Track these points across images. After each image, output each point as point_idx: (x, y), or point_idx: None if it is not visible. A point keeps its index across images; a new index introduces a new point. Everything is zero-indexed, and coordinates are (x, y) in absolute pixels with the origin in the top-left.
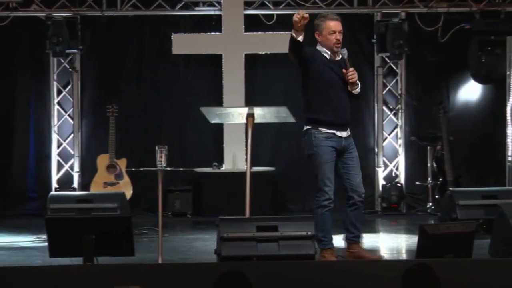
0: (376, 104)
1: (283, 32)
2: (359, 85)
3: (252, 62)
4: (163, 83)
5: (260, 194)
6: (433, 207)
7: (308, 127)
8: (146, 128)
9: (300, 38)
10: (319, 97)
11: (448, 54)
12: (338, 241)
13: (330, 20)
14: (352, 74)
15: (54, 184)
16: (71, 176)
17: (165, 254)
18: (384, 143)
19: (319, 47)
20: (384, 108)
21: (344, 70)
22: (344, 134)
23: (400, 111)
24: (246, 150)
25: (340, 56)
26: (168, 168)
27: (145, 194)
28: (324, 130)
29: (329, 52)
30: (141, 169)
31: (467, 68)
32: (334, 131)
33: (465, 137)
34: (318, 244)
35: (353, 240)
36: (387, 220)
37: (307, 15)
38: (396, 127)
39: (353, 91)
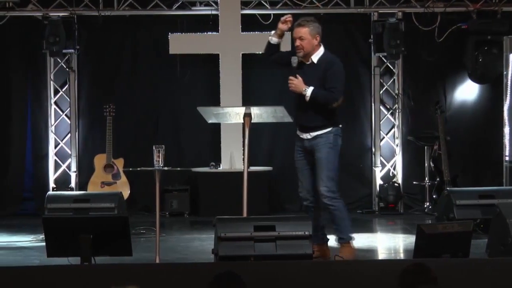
0: (373, 104)
1: None
2: (307, 94)
3: (249, 62)
4: (160, 83)
5: (257, 194)
6: (430, 207)
7: None
8: (143, 128)
9: (275, 41)
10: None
11: (445, 54)
12: (334, 241)
13: (294, 27)
14: (288, 82)
15: (52, 184)
16: (69, 176)
17: (162, 254)
18: (382, 143)
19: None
20: (381, 108)
21: None
22: (304, 136)
23: (397, 111)
24: (243, 149)
25: (310, 61)
26: (166, 168)
27: (142, 194)
28: (296, 131)
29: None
30: (138, 169)
31: (464, 68)
32: (298, 133)
33: (462, 136)
34: None
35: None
36: (384, 219)
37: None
38: (393, 127)
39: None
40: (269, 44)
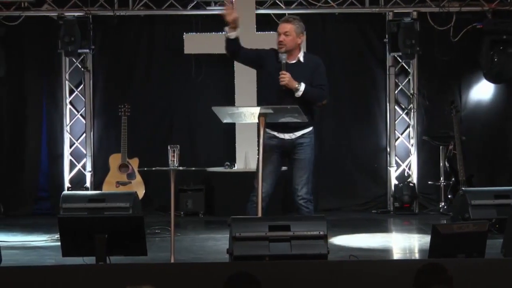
0: (388, 104)
1: None
2: (300, 89)
3: None
4: (175, 83)
5: (272, 194)
6: (445, 207)
7: None
8: (157, 128)
9: (233, 35)
10: (265, 100)
11: (460, 53)
12: (349, 241)
13: (280, 22)
14: (281, 76)
15: (67, 184)
16: (84, 176)
17: (177, 254)
18: (397, 143)
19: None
20: (396, 107)
21: None
22: (287, 136)
23: (412, 110)
24: (258, 149)
25: (296, 60)
26: (181, 168)
27: (157, 193)
28: (268, 131)
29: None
30: (153, 168)
31: (479, 67)
32: (275, 133)
33: (477, 136)
34: None
35: None
36: (400, 219)
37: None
38: (408, 126)
39: (295, 95)
40: (229, 40)
